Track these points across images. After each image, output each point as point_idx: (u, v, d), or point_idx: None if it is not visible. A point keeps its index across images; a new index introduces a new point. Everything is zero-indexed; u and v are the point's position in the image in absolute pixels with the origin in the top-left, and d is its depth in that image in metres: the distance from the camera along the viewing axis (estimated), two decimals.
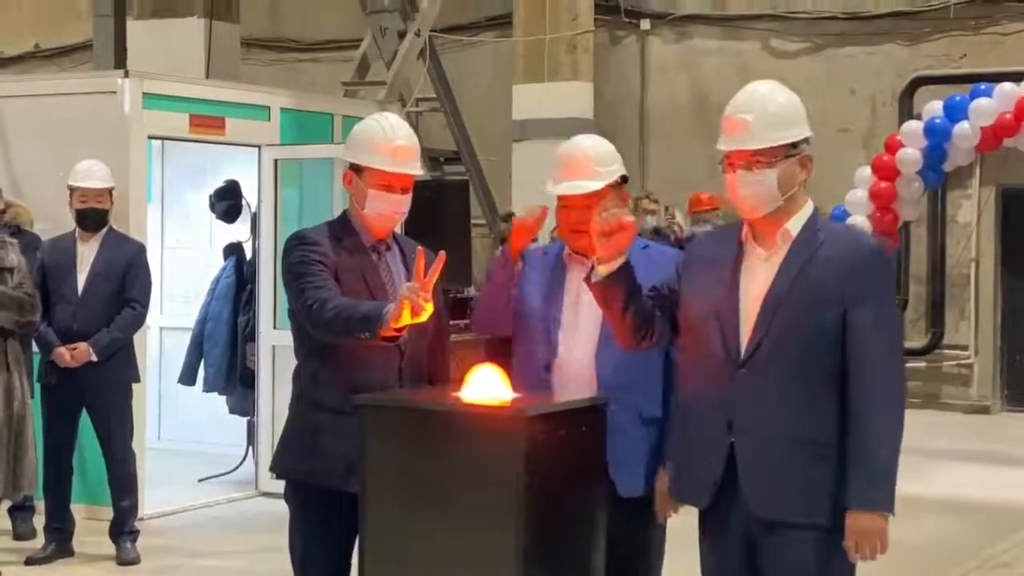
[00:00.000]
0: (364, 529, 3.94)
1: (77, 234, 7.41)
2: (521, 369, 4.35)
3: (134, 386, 7.53)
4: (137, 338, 7.56)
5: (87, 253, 7.37)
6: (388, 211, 4.35)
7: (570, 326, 4.30)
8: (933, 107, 11.48)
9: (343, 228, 4.40)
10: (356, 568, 4.13)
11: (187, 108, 8.76)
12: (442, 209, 9.76)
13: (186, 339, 9.86)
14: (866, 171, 11.57)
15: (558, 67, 14.66)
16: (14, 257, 6.58)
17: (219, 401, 9.71)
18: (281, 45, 16.99)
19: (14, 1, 18.33)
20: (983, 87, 11.25)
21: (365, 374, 4.19)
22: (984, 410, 13.95)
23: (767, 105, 3.71)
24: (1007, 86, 11.12)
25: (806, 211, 3.75)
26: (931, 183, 11.79)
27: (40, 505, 7.61)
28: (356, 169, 4.37)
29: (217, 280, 9.76)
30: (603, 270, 3.80)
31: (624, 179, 4.38)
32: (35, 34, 18.29)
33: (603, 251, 3.78)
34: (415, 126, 11.51)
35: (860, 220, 11.07)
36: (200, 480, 9.38)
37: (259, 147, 9.14)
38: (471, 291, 10.24)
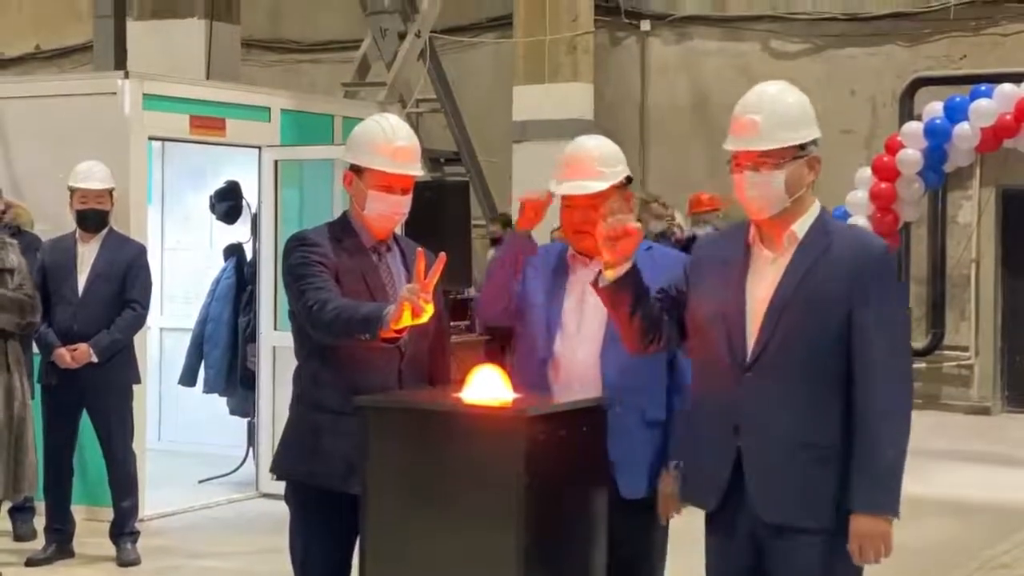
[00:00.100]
0: (365, 530, 3.94)
1: (77, 235, 7.41)
2: (521, 368, 4.35)
3: (134, 387, 7.53)
4: (137, 339, 7.56)
5: (87, 254, 7.37)
6: (388, 212, 4.35)
7: (574, 327, 4.30)
8: (933, 108, 11.49)
9: (343, 229, 4.40)
10: (357, 569, 4.13)
11: (187, 109, 8.76)
12: (442, 210, 9.76)
13: (186, 340, 9.86)
14: (866, 172, 11.57)
15: (558, 68, 14.66)
16: (14, 258, 6.58)
17: (219, 402, 9.71)
18: (281, 46, 16.99)
19: (14, 2, 18.33)
20: (983, 88, 11.25)
21: (365, 375, 4.19)
22: (984, 411, 13.95)
23: (776, 106, 3.70)
24: (1007, 87, 11.12)
25: (813, 212, 3.74)
26: (931, 184, 11.79)
27: (40, 506, 7.60)
28: (356, 170, 4.37)
29: (217, 281, 9.76)
30: (610, 275, 3.79)
31: (628, 180, 4.38)
32: (35, 35, 18.29)
33: (609, 256, 3.77)
34: (415, 127, 11.51)
35: (860, 221, 11.07)
36: (200, 481, 9.38)
37: (259, 148, 9.14)
38: (471, 292, 10.24)
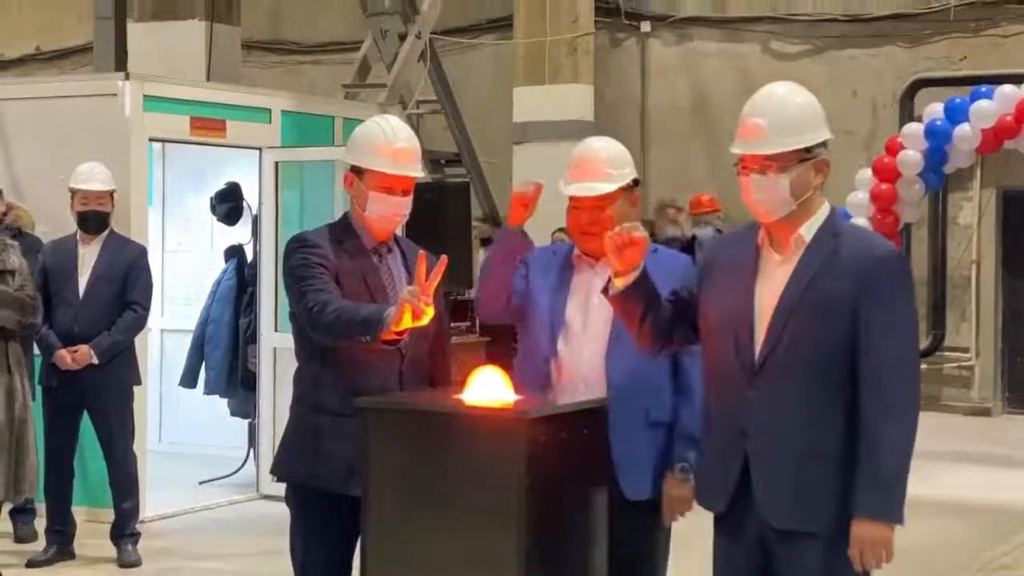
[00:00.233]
0: (366, 531, 3.94)
1: (78, 236, 7.41)
2: (525, 368, 4.36)
3: (135, 388, 7.53)
4: (138, 340, 7.56)
5: (88, 256, 7.37)
6: (389, 213, 4.35)
7: (579, 327, 4.30)
8: (934, 109, 11.48)
9: (344, 230, 4.40)
10: (357, 570, 4.13)
11: (188, 110, 8.76)
12: (443, 211, 9.76)
13: (187, 341, 9.86)
14: (867, 173, 11.57)
15: (559, 69, 14.67)
16: (15, 259, 6.58)
17: (220, 403, 9.71)
18: (282, 47, 16.99)
19: (15, 3, 18.33)
20: (984, 89, 11.25)
21: (366, 377, 4.19)
22: (985, 412, 13.94)
23: (783, 109, 3.68)
24: (1007, 88, 11.12)
25: (821, 215, 3.71)
26: (932, 185, 11.79)
27: (41, 508, 7.61)
28: (357, 171, 4.37)
29: (218, 282, 9.76)
30: (619, 283, 3.80)
31: (636, 182, 4.39)
32: (36, 36, 18.28)
33: (617, 265, 3.77)
34: (416, 128, 11.48)
35: (861, 222, 11.05)
36: (201, 482, 9.38)
37: (260, 149, 9.14)
38: (472, 293, 10.24)
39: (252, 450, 9.36)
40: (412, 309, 3.89)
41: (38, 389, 7.22)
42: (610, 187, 4.28)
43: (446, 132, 12.75)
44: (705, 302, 3.84)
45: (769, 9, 14.91)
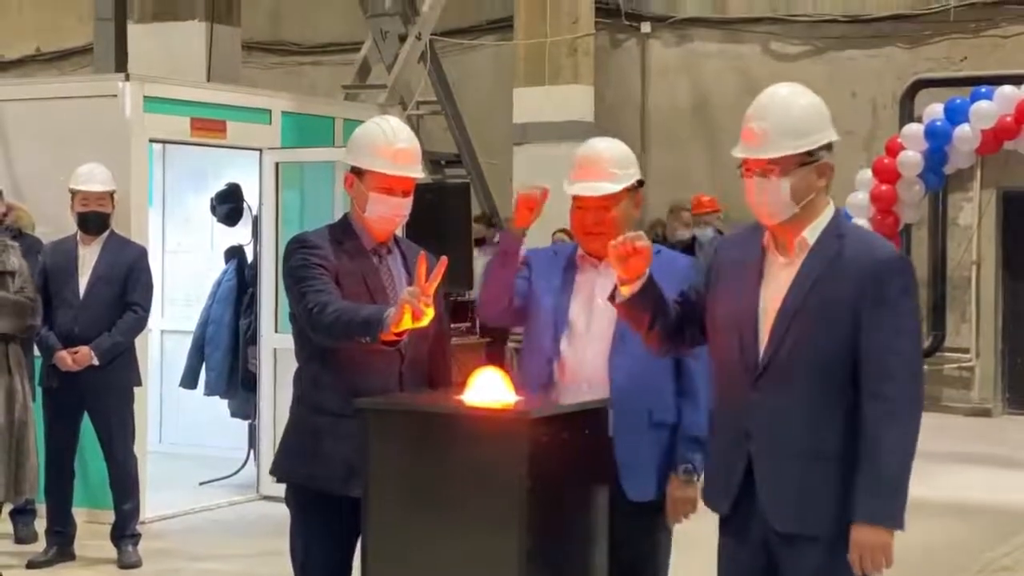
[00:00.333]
0: (367, 531, 3.94)
1: (78, 237, 7.41)
2: (528, 368, 4.36)
3: (135, 389, 7.53)
4: (138, 341, 7.56)
5: (88, 257, 7.37)
6: (389, 214, 4.35)
7: (582, 328, 4.30)
8: (934, 110, 11.49)
9: (344, 231, 4.40)
10: (357, 570, 4.13)
11: (188, 111, 8.77)
12: (443, 212, 9.76)
13: (187, 342, 9.85)
14: (867, 174, 11.57)
15: (559, 70, 14.67)
16: (15, 261, 6.58)
17: (220, 404, 9.71)
18: (282, 48, 16.99)
19: (15, 4, 18.34)
20: (983, 90, 11.26)
21: (366, 378, 4.18)
22: (985, 413, 13.94)
23: (785, 112, 3.66)
24: (1007, 89, 11.12)
25: (825, 217, 3.69)
26: (932, 186, 11.79)
27: (41, 509, 7.61)
28: (357, 172, 4.37)
29: (218, 283, 9.76)
30: (626, 291, 3.80)
31: (640, 183, 4.38)
32: (36, 37, 18.29)
33: (622, 274, 3.78)
34: (416, 129, 11.48)
35: (861, 223, 11.06)
36: (201, 483, 9.37)
37: (260, 150, 9.14)
38: (472, 294, 10.24)
39: (252, 451, 9.36)
40: (412, 310, 3.89)
41: (38, 390, 7.22)
42: (615, 187, 4.28)
43: (446, 133, 12.75)
44: (711, 303, 3.84)
45: (769, 10, 14.91)
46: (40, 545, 7.46)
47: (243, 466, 9.45)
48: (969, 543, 8.15)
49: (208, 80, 10.23)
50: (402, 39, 11.56)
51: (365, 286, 4.29)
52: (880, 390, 3.55)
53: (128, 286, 7.33)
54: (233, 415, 9.67)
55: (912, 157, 11.29)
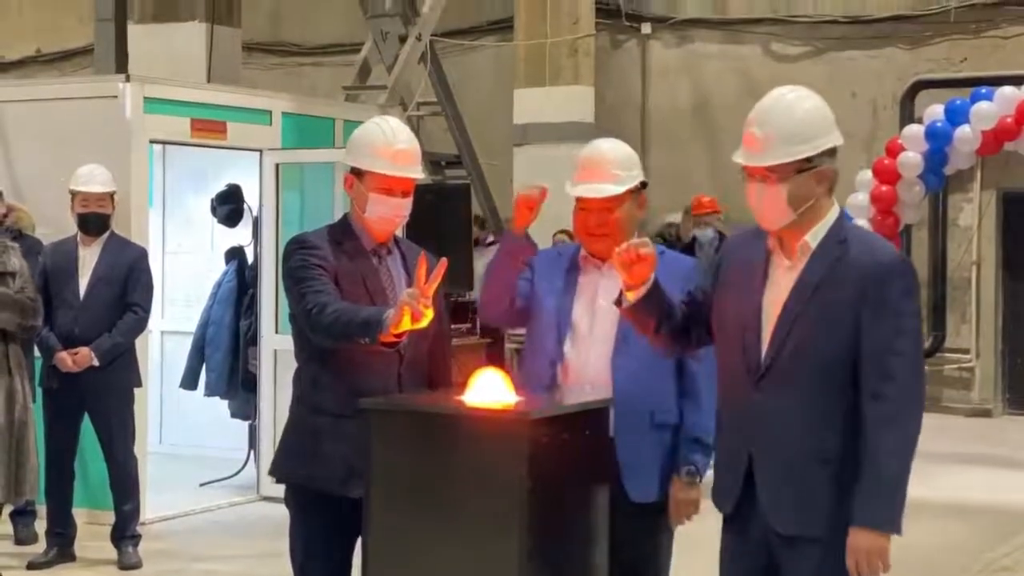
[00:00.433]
0: (368, 532, 3.93)
1: (79, 238, 7.41)
2: (531, 369, 4.36)
3: (136, 390, 7.53)
4: (139, 342, 7.56)
5: (89, 257, 7.37)
6: (389, 215, 4.35)
7: (585, 329, 4.31)
8: (934, 111, 11.49)
9: (344, 232, 4.40)
10: (357, 571, 4.13)
11: (188, 112, 8.77)
12: (443, 213, 9.76)
13: (187, 343, 9.85)
14: (867, 175, 11.57)
15: (559, 71, 14.66)
16: (16, 261, 6.58)
17: (221, 405, 9.71)
18: (282, 49, 16.99)
19: (15, 5, 18.34)
20: (984, 91, 11.26)
21: (365, 378, 4.18)
22: (986, 413, 13.94)
23: (786, 118, 3.63)
24: (1008, 90, 11.12)
25: (828, 221, 3.68)
26: (932, 187, 11.79)
27: (42, 510, 7.60)
28: (357, 173, 4.37)
29: (219, 284, 9.76)
30: (631, 296, 3.80)
31: (643, 185, 4.38)
32: (36, 38, 18.29)
33: (627, 280, 3.78)
34: (416, 130, 11.47)
35: (861, 224, 11.07)
36: (202, 484, 9.37)
37: (260, 151, 9.14)
38: (472, 295, 10.24)
39: (253, 452, 9.36)
40: (411, 312, 3.89)
41: (39, 391, 7.22)
42: (618, 189, 4.28)
43: (446, 134, 12.75)
44: (717, 303, 3.85)
45: (769, 11, 14.92)
46: (40, 546, 7.46)
47: (243, 467, 9.45)
48: (969, 543, 8.15)
49: (208, 81, 10.23)
50: (402, 40, 11.56)
51: (364, 287, 4.29)
52: (881, 392, 3.54)
53: (128, 287, 7.33)
54: (233, 416, 9.67)
55: (912, 158, 11.29)
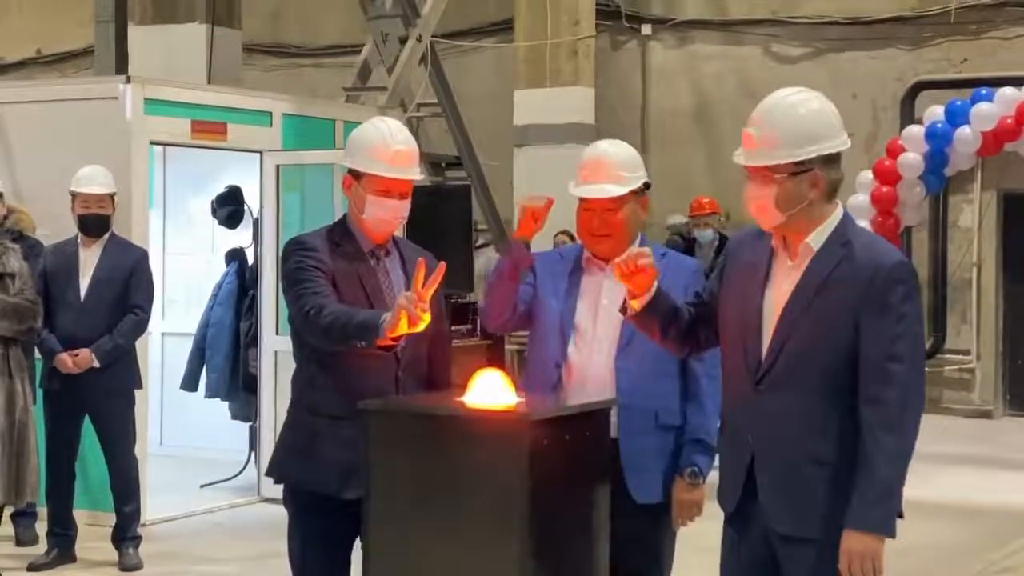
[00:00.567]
0: (367, 534, 3.93)
1: (79, 240, 7.41)
2: (535, 371, 4.37)
3: (136, 392, 7.52)
4: (139, 344, 7.56)
5: (89, 259, 7.37)
6: (387, 217, 4.33)
7: (588, 331, 4.31)
8: (934, 112, 11.50)
9: (342, 233, 4.39)
10: (356, 572, 4.13)
11: (189, 114, 8.77)
12: (444, 214, 9.76)
13: (188, 345, 9.85)
14: (868, 176, 11.58)
15: (559, 72, 14.66)
16: (16, 263, 6.58)
17: (221, 407, 9.71)
18: (283, 51, 16.99)
19: (15, 7, 18.34)
20: (984, 92, 11.27)
21: (362, 380, 4.18)
22: (986, 414, 13.94)
23: (786, 120, 3.62)
24: (1008, 91, 11.13)
25: (831, 223, 3.68)
26: (932, 188, 11.80)
27: (42, 511, 7.60)
28: (355, 175, 4.36)
29: (219, 286, 9.76)
30: (635, 305, 3.81)
31: (647, 186, 4.38)
32: (36, 40, 18.29)
33: (630, 289, 3.79)
34: (416, 131, 11.52)
35: (862, 225, 11.06)
36: (202, 486, 9.37)
37: (261, 153, 9.14)
38: (472, 296, 10.24)
39: (253, 453, 9.36)
40: (408, 315, 3.88)
41: (39, 393, 7.22)
42: (621, 190, 4.28)
43: (447, 135, 12.74)
44: (721, 304, 3.85)
45: (769, 12, 14.91)
46: (41, 547, 7.46)
47: (244, 468, 9.44)
48: (970, 545, 8.15)
49: (209, 82, 10.23)
50: (403, 41, 11.55)
51: (362, 288, 4.28)
52: (879, 396, 3.54)
53: (129, 288, 7.33)
54: (234, 417, 9.66)
55: (913, 159, 11.30)
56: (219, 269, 9.93)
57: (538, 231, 4.32)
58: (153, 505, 8.18)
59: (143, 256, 7.56)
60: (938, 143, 11.25)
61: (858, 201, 11.40)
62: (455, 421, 3.84)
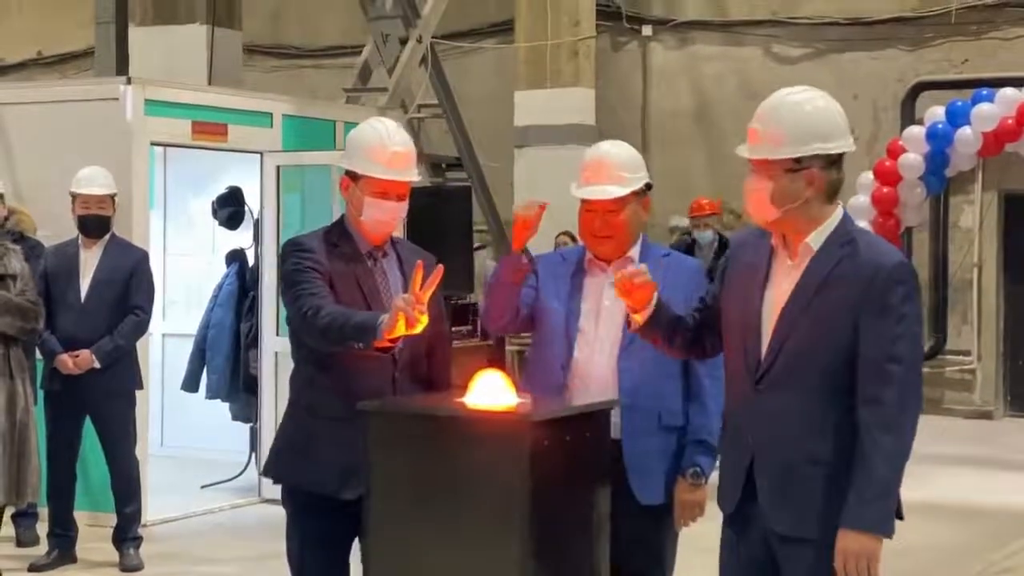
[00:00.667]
0: (368, 533, 3.94)
1: (80, 241, 7.41)
2: (539, 372, 4.37)
3: (137, 393, 7.53)
4: (140, 345, 7.56)
5: (90, 260, 7.37)
6: (384, 218, 4.33)
7: (591, 332, 4.31)
8: (935, 112, 11.51)
9: (339, 234, 4.39)
10: (355, 572, 4.13)
11: (189, 115, 8.78)
12: (444, 215, 9.76)
13: (189, 346, 9.85)
14: (868, 176, 11.59)
15: (560, 73, 14.65)
16: (17, 264, 6.58)
17: (222, 408, 9.71)
18: (283, 52, 16.99)
19: (16, 8, 18.34)
20: (985, 92, 11.28)
21: (359, 381, 4.18)
22: (987, 415, 13.94)
23: (787, 116, 3.63)
24: (1008, 91, 11.14)
25: (831, 223, 3.68)
26: (933, 188, 11.80)
27: (43, 512, 7.60)
28: (352, 176, 4.35)
29: (220, 287, 9.76)
30: (638, 319, 3.83)
31: (648, 187, 4.39)
32: (37, 41, 18.29)
33: (630, 304, 3.80)
34: (417, 132, 11.52)
35: (862, 225, 11.07)
36: (203, 487, 9.38)
37: (261, 154, 9.15)
38: (472, 297, 10.24)
39: (254, 454, 9.36)
40: (406, 317, 3.87)
41: (40, 393, 7.23)
42: (623, 191, 4.28)
43: (447, 136, 12.75)
44: (723, 304, 3.86)
45: (770, 13, 14.90)
46: (42, 548, 7.47)
47: (244, 469, 9.45)
48: (970, 545, 8.15)
49: (209, 83, 10.23)
50: (403, 42, 11.56)
51: (359, 290, 4.28)
52: (877, 396, 3.53)
53: (129, 289, 7.33)
54: (234, 418, 9.67)
55: (913, 159, 11.30)
56: (219, 270, 9.93)
57: (531, 238, 4.32)
58: (154, 506, 8.18)
59: (143, 257, 7.56)
60: (939, 144, 11.26)
61: (859, 202, 11.41)
62: (455, 422, 3.84)
